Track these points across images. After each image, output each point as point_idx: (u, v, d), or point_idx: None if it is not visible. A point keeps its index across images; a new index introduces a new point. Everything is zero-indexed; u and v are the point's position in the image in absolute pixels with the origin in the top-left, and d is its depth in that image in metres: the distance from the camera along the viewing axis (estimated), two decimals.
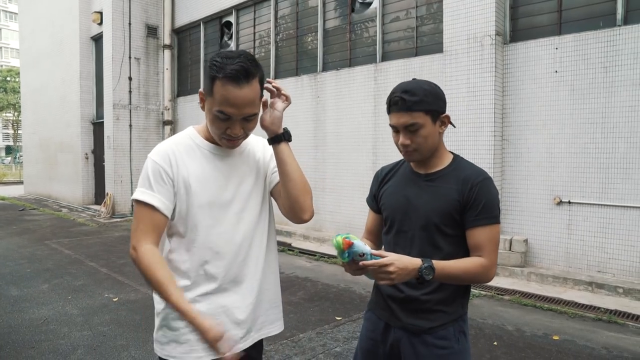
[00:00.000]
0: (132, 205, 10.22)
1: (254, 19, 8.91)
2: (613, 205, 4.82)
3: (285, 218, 1.57)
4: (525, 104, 5.37)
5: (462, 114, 5.55)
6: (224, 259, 1.47)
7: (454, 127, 1.67)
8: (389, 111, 1.54)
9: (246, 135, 1.47)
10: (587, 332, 3.82)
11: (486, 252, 1.47)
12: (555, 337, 3.71)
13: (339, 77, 7.29)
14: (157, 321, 1.52)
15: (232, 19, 9.34)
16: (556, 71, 5.13)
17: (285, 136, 1.51)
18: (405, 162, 1.68)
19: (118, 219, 10.00)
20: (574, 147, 5.05)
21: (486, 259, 1.47)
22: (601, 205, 4.89)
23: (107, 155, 10.56)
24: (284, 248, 7.03)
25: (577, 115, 5.01)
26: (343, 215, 7.24)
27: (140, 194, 1.41)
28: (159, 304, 1.51)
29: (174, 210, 1.45)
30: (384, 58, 6.80)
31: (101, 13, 10.74)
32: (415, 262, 1.39)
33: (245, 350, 1.53)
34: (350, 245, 1.33)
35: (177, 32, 10.84)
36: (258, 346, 1.63)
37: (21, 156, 21.53)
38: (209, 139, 1.51)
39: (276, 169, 1.53)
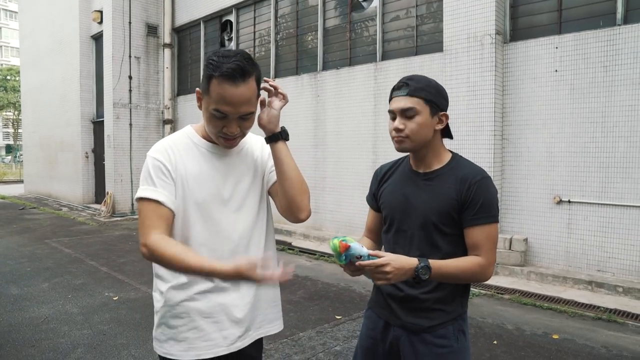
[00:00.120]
0: (133, 204, 10.30)
1: (254, 17, 8.90)
2: (613, 205, 4.82)
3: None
4: (525, 103, 5.37)
5: (462, 113, 5.55)
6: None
7: (451, 138, 1.62)
8: (391, 97, 1.54)
9: (243, 135, 1.47)
10: (586, 331, 3.82)
11: (484, 251, 1.47)
12: (555, 336, 3.71)
13: (339, 76, 7.29)
14: (156, 319, 1.52)
15: (232, 17, 9.34)
16: (556, 70, 5.13)
17: (283, 135, 1.51)
18: (404, 161, 1.68)
19: (118, 218, 10.01)
20: (574, 146, 5.04)
21: (484, 258, 1.47)
22: (601, 204, 4.89)
23: (107, 154, 10.57)
24: (284, 247, 7.04)
25: (577, 114, 5.01)
26: (343, 214, 7.24)
27: (143, 191, 1.41)
28: (157, 302, 1.51)
29: None
30: (384, 57, 6.80)
31: (101, 12, 10.73)
32: (412, 261, 1.39)
33: (244, 349, 1.54)
34: (347, 248, 1.33)
35: (177, 31, 10.84)
36: (258, 345, 1.63)
37: (21, 155, 21.54)
38: (207, 137, 1.51)
39: (274, 167, 1.53)
